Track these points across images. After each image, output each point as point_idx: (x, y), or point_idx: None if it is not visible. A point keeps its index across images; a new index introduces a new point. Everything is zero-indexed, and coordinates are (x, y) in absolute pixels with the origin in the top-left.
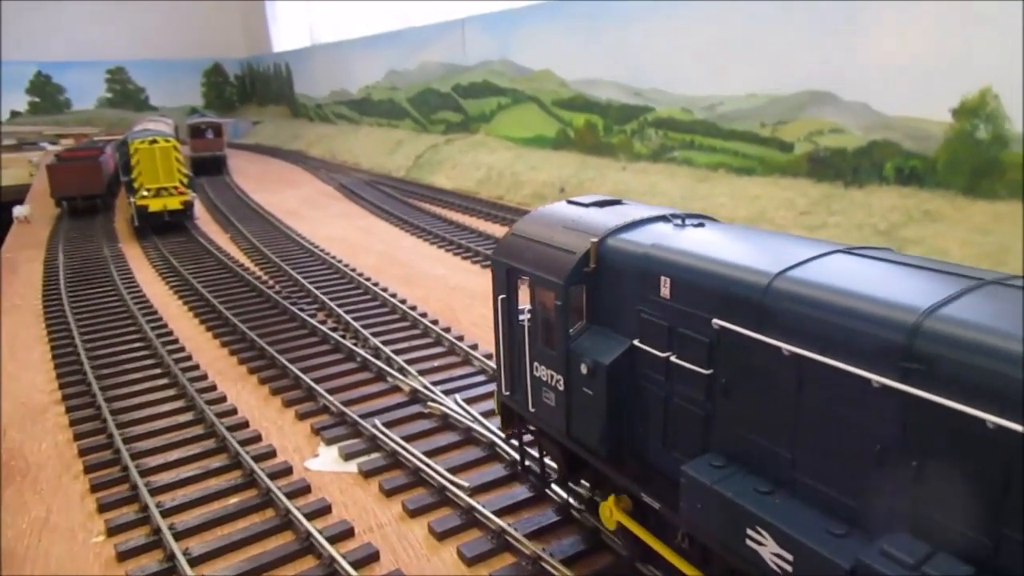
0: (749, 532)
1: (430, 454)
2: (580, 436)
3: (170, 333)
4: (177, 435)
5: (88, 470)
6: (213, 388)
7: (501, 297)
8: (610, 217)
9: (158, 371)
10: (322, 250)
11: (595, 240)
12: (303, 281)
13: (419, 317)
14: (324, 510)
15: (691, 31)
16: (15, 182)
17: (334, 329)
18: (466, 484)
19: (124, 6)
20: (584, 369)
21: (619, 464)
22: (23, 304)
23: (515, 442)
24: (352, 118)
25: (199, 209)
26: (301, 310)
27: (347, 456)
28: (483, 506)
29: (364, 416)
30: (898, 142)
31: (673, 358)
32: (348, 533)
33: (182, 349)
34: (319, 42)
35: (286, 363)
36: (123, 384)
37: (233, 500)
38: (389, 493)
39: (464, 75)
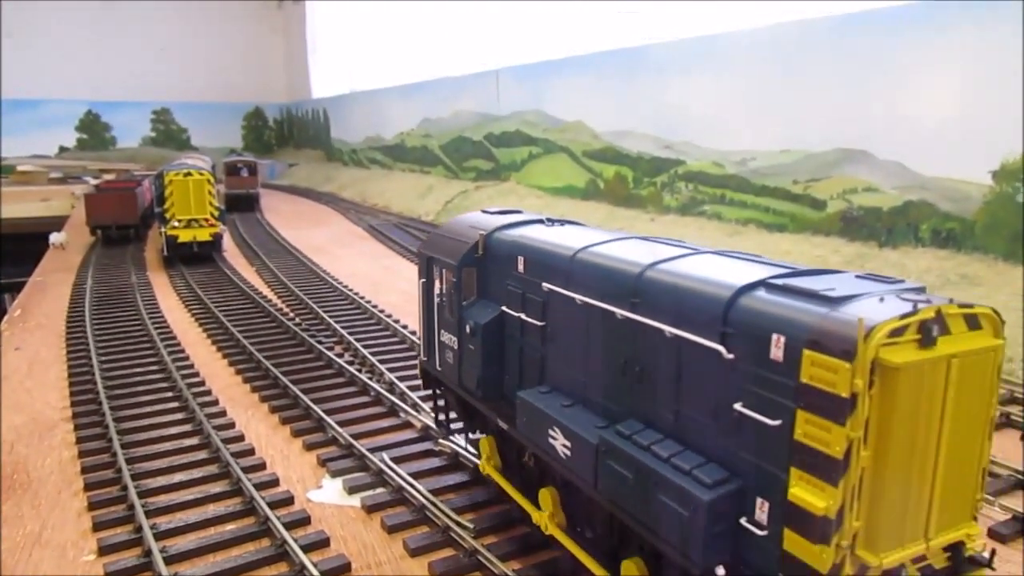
0: (550, 431)
1: (436, 492)
2: (465, 383)
3: (187, 359)
4: (181, 458)
5: (88, 488)
6: (223, 414)
7: (422, 281)
8: (502, 219)
9: (170, 395)
10: (345, 286)
11: (483, 233)
12: (323, 314)
13: None
14: (322, 543)
15: (723, 86)
16: (58, 213)
17: (350, 363)
18: (471, 525)
19: (172, 50)
20: (468, 329)
21: (490, 403)
22: (47, 324)
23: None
24: (385, 163)
25: (228, 242)
26: (319, 343)
27: (351, 489)
28: (487, 549)
29: (372, 450)
30: (934, 203)
31: (523, 316)
32: (344, 568)
33: (196, 375)
34: (357, 89)
35: (298, 393)
36: (133, 405)
37: (230, 527)
38: (391, 530)
39: (497, 124)
